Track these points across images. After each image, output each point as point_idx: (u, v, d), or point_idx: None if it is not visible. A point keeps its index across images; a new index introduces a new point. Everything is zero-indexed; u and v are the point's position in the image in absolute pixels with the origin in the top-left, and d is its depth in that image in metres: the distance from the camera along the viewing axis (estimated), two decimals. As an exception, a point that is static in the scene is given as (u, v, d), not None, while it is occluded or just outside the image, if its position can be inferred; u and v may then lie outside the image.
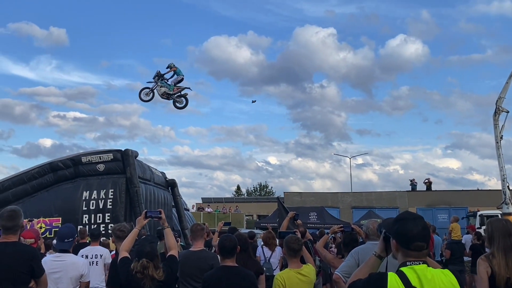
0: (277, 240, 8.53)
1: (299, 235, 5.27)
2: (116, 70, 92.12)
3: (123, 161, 13.92)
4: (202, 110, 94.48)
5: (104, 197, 13.50)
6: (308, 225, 21.10)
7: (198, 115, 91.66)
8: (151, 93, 16.78)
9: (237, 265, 4.32)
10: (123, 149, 14.22)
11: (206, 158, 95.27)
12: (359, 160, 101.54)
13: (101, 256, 6.86)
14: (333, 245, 11.27)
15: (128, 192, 13.59)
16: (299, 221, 7.62)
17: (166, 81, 16.67)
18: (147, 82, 17.09)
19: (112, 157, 14.04)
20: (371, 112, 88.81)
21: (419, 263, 2.30)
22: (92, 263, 6.67)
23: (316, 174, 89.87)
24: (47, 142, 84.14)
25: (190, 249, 5.59)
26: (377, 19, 79.14)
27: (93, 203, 13.44)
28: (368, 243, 4.72)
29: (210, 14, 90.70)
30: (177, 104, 17.08)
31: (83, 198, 13.51)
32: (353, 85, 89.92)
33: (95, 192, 13.57)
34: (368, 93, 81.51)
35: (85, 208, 13.40)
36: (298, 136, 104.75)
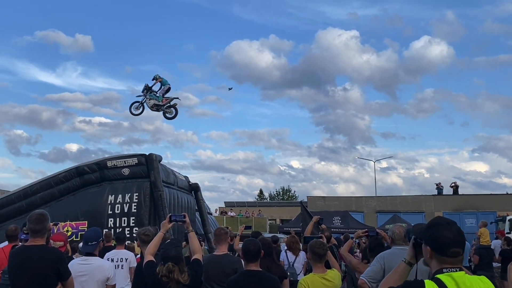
0: (301, 245, 8.46)
1: (324, 240, 5.21)
2: (139, 76, 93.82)
3: (147, 165, 14.08)
4: (224, 114, 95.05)
5: (129, 201, 13.66)
6: (332, 229, 20.84)
7: (220, 119, 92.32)
8: (141, 107, 17.09)
9: (261, 269, 4.29)
10: (147, 154, 14.39)
11: (228, 162, 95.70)
12: (384, 164, 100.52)
13: (126, 259, 6.92)
14: (358, 250, 11.13)
15: (152, 196, 13.72)
16: (323, 226, 7.54)
17: (154, 93, 16.90)
18: (137, 96, 17.40)
19: (136, 162, 14.20)
20: (395, 115, 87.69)
21: (456, 270, 2.22)
22: (118, 267, 6.73)
23: (340, 178, 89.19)
24: (73, 147, 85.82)
25: (213, 253, 5.59)
26: (400, 21, 78.31)
27: (118, 206, 13.61)
28: (394, 248, 4.64)
29: (232, 18, 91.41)
30: (167, 115, 17.32)
31: (109, 201, 13.70)
32: (376, 88, 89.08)
33: (120, 196, 13.74)
34: (392, 96, 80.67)
35: (110, 212, 13.58)
36: (321, 139, 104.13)
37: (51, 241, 5.53)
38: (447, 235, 2.25)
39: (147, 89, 16.78)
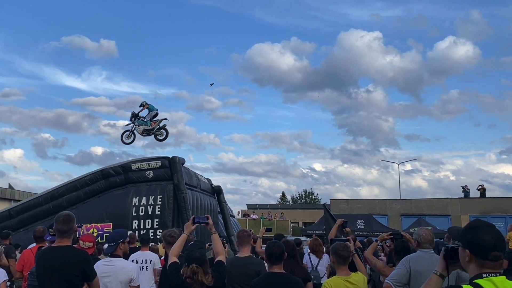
0: (324, 248, 8.40)
1: (352, 243, 5.17)
2: (162, 80, 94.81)
3: (171, 168, 14.18)
4: (246, 117, 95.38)
5: (152, 203, 13.79)
6: (356, 232, 20.65)
7: (242, 122, 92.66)
8: (132, 135, 17.36)
9: (284, 271, 4.27)
10: (170, 156, 14.51)
11: (250, 165, 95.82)
12: (408, 166, 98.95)
13: (150, 261, 6.98)
14: (382, 254, 10.95)
15: (176, 198, 13.80)
16: (347, 229, 7.47)
17: (142, 119, 17.11)
18: (125, 125, 17.80)
19: (160, 164, 14.33)
20: (419, 117, 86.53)
21: (497, 275, 2.14)
22: (142, 268, 6.79)
23: (363, 181, 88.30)
24: (98, 150, 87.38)
25: (236, 255, 5.58)
26: (424, 21, 77.20)
27: (142, 209, 13.75)
28: (420, 251, 4.56)
29: (254, 22, 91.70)
30: (158, 137, 17.56)
31: (133, 204, 13.85)
32: (400, 90, 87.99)
33: (144, 198, 13.88)
34: (416, 97, 79.49)
35: (135, 214, 13.72)
36: (344, 142, 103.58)
37: (80, 241, 5.64)
38: (488, 238, 2.17)
39: (135, 116, 17.11)
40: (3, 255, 7.07)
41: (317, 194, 68.72)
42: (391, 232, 6.29)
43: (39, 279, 4.18)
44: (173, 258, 4.23)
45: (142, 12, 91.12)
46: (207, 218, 4.43)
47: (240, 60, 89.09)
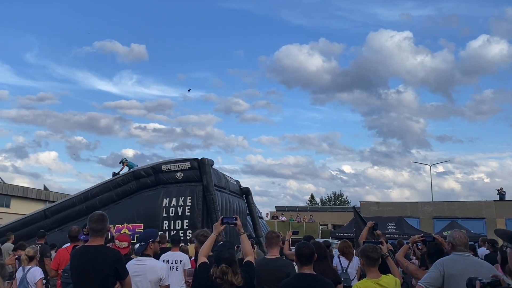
0: (355, 250, 8.29)
1: (385, 245, 5.09)
2: (191, 82, 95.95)
3: (200, 169, 14.30)
4: (274, 119, 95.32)
5: (182, 204, 13.93)
6: (386, 235, 20.31)
7: (270, 124, 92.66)
8: None
9: (315, 273, 4.23)
10: (199, 158, 14.63)
11: (278, 167, 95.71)
12: (440, 168, 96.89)
13: (181, 261, 7.04)
14: (414, 257, 10.72)
15: (205, 199, 13.91)
16: (378, 232, 7.34)
17: None
18: None
19: (189, 166, 14.47)
20: (452, 118, 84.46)
21: None
22: (172, 268, 6.86)
23: (394, 183, 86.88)
24: (130, 152, 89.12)
25: (265, 256, 5.57)
26: (456, 20, 75.49)
27: (172, 209, 13.91)
28: (454, 254, 4.44)
29: (281, 23, 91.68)
30: None
31: (163, 205, 14.02)
32: (432, 90, 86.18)
33: (174, 199, 14.04)
34: (449, 98, 77.72)
35: (165, 215, 13.89)
36: (373, 143, 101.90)
37: (116, 241, 5.75)
38: None
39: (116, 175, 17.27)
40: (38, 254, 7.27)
41: (347, 197, 68.13)
42: (422, 234, 6.14)
43: (73, 278, 4.28)
44: (202, 258, 4.25)
45: (171, 16, 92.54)
46: (236, 219, 4.44)
47: (268, 62, 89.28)
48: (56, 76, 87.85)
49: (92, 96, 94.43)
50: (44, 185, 53.12)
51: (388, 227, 24.41)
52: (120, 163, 17.76)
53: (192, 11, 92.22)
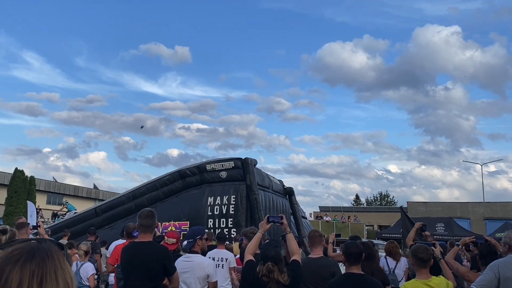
0: (402, 251, 8.09)
1: (438, 247, 4.96)
2: (233, 83, 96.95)
3: (243, 168, 14.39)
4: (317, 118, 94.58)
5: (226, 203, 14.07)
6: (435, 236, 19.73)
7: (313, 123, 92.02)
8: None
9: (363, 273, 4.15)
10: (243, 158, 14.73)
11: (322, 166, 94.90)
12: (492, 168, 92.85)
13: (226, 259, 7.10)
14: (465, 259, 10.32)
15: (249, 199, 13.99)
16: (427, 232, 7.13)
17: (62, 216, 17.24)
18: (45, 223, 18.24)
19: (233, 165, 14.59)
20: (504, 115, 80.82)
21: None
22: (218, 266, 6.92)
23: (442, 183, 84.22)
24: (174, 152, 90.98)
25: (309, 256, 5.53)
26: (508, 13, 72.02)
27: (217, 208, 14.08)
28: (510, 256, 4.24)
29: (324, 21, 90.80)
30: None
31: (208, 203, 14.21)
32: (482, 86, 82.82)
33: (218, 198, 14.20)
34: (501, 94, 74.51)
35: (210, 213, 14.08)
36: (421, 142, 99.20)
37: (165, 237, 5.91)
38: None
39: (55, 215, 17.42)
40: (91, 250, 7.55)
41: (393, 197, 66.69)
42: (474, 236, 5.92)
43: (124, 273, 4.42)
44: (248, 256, 4.27)
45: (213, 18, 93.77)
46: (282, 218, 4.42)
47: (310, 61, 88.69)
48: (104, 79, 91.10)
49: (138, 97, 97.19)
50: (94, 184, 55.21)
51: (436, 228, 23.69)
52: (61, 204, 18.34)
53: (234, 12, 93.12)
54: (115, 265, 6.86)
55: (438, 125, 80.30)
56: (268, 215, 4.66)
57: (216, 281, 4.97)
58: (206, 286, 4.81)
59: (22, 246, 1.11)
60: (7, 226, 6.32)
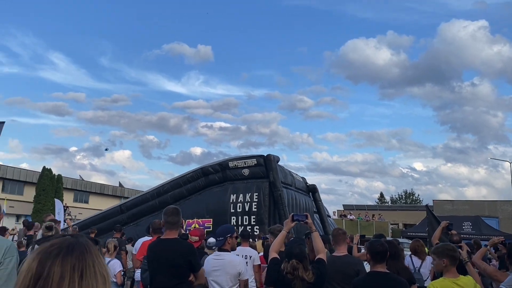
0: (428, 250, 7.96)
1: (464, 250, 4.87)
2: (255, 81, 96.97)
3: (266, 166, 14.38)
4: (340, 116, 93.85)
5: (249, 200, 14.10)
6: (462, 235, 19.34)
7: (336, 120, 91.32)
8: None
9: (388, 271, 4.10)
10: (265, 155, 14.72)
11: (345, 164, 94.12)
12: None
13: (250, 257, 7.11)
14: (494, 260, 10.07)
15: (272, 196, 13.98)
16: (453, 231, 6.99)
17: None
18: None
19: (255, 162, 14.60)
20: (535, 111, 78.43)
21: None
22: (242, 263, 6.95)
23: (469, 181, 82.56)
24: (197, 150, 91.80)
25: (333, 254, 5.50)
26: (540, 5, 69.90)
27: (239, 205, 14.13)
28: (541, 255, 4.13)
29: (347, 18, 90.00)
30: None
31: (231, 200, 14.27)
32: (511, 81, 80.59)
33: (241, 195, 14.24)
34: (531, 89, 72.19)
35: (233, 210, 14.14)
36: (447, 139, 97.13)
37: (189, 235, 5.97)
38: None
39: None
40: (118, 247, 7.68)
41: (418, 195, 65.70)
42: (503, 236, 5.78)
43: (150, 269, 4.49)
44: (273, 254, 4.26)
45: (235, 16, 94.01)
46: (306, 217, 4.38)
47: (333, 58, 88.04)
48: (128, 79, 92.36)
49: (162, 97, 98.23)
50: (119, 182, 56.18)
51: (463, 227, 23.24)
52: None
53: (255, 10, 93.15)
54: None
55: (465, 122, 78.81)
56: (293, 213, 4.64)
57: (247, 279, 4.95)
58: (237, 284, 4.80)
59: (60, 241, 1.13)
60: (52, 223, 6.50)
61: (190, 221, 13.89)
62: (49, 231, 6.06)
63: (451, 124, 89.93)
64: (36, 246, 1.19)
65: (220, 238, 4.98)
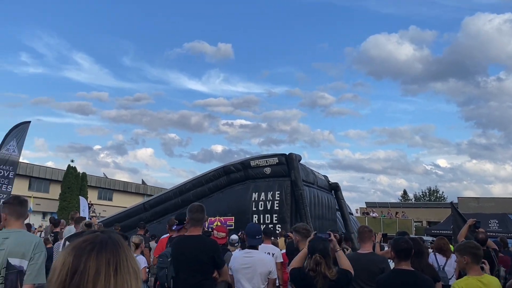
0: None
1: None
2: (276, 78, 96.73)
3: (288, 164, 14.38)
4: (362, 112, 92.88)
5: (271, 198, 14.12)
6: (488, 233, 18.98)
7: (358, 117, 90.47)
8: None
9: (413, 269, 4.06)
10: (287, 153, 14.71)
11: (367, 161, 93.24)
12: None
13: (273, 254, 7.14)
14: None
15: (293, 194, 13.97)
16: (481, 229, 6.86)
17: None
18: None
19: (277, 161, 14.61)
20: None
21: None
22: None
23: (495, 178, 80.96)
24: (218, 148, 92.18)
25: (358, 251, 5.48)
26: None
27: (261, 204, 14.16)
28: None
29: (368, 13, 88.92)
30: None
31: (253, 199, 14.32)
32: (539, 76, 78.47)
33: (263, 193, 14.27)
34: (560, 84, 70.16)
35: (255, 209, 14.18)
36: (472, 135, 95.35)
37: (214, 231, 6.02)
38: None
39: None
40: (143, 244, 7.81)
41: (443, 192, 64.63)
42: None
43: (174, 266, 4.54)
44: (293, 265, 4.22)
45: (254, 13, 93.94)
46: (330, 235, 4.29)
47: (354, 54, 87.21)
48: (150, 78, 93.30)
49: (183, 95, 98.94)
50: (142, 179, 56.88)
51: (490, 225, 22.76)
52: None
53: (275, 7, 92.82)
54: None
55: (490, 118, 77.15)
56: (315, 231, 4.59)
57: (276, 278, 4.95)
58: (267, 283, 4.78)
59: (93, 237, 1.17)
60: (91, 220, 6.69)
61: (212, 219, 13.98)
62: (89, 228, 6.21)
63: (476, 120, 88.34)
64: (67, 242, 1.23)
65: (259, 236, 5.02)
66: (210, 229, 8.38)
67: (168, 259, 4.66)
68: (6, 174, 14.03)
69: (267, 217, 13.97)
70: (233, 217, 14.15)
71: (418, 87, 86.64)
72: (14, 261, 3.40)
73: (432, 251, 8.15)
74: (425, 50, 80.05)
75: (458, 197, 37.44)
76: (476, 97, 78.27)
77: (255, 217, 14.04)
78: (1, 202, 9.50)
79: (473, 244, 4.25)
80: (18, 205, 3.62)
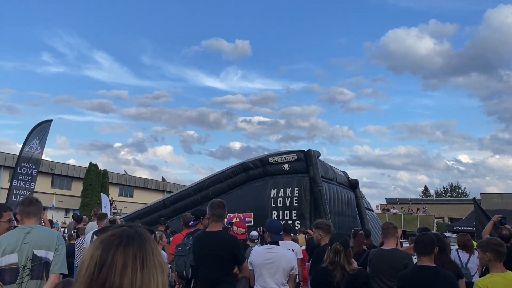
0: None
1: None
2: (294, 74, 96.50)
3: (306, 161, 14.34)
4: (382, 108, 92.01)
5: (290, 195, 14.11)
6: (512, 230, 18.57)
7: (378, 112, 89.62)
8: None
9: (435, 265, 4.01)
10: (305, 150, 14.67)
11: (388, 157, 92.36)
12: None
13: (293, 250, 7.14)
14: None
15: (312, 191, 13.93)
16: (507, 226, 6.73)
17: None
18: None
19: (296, 157, 14.59)
20: None
21: None
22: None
23: (519, 173, 78.88)
24: (237, 145, 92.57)
25: (381, 247, 5.44)
26: None
27: (280, 200, 14.17)
28: None
29: (387, 7, 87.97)
30: None
31: (271, 195, 14.34)
32: None
33: (281, 190, 14.28)
34: None
35: (274, 205, 14.20)
36: (495, 130, 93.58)
37: (234, 227, 6.06)
38: None
39: None
40: (164, 239, 7.89)
41: (465, 188, 63.67)
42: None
43: (195, 261, 4.58)
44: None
45: (272, 9, 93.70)
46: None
47: (373, 48, 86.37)
48: (168, 75, 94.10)
49: (201, 92, 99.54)
50: (162, 176, 57.43)
51: (514, 221, 22.28)
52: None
53: (292, 3, 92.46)
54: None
55: (514, 112, 75.25)
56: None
57: (297, 274, 4.96)
58: (288, 278, 4.78)
59: (120, 231, 1.19)
60: (116, 217, 6.81)
61: (231, 215, 14.04)
62: (113, 224, 6.31)
63: (499, 115, 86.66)
64: (95, 236, 1.26)
65: (281, 233, 5.03)
66: (229, 225, 8.41)
67: (186, 247, 4.70)
68: (29, 172, 14.34)
69: (286, 213, 13.97)
70: (252, 214, 14.19)
71: (439, 81, 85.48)
72: (40, 253, 3.56)
73: (457, 248, 8.04)
74: (445, 44, 78.91)
75: (481, 193, 36.83)
76: (499, 91, 76.86)
77: (274, 213, 14.05)
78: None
79: (496, 241, 4.18)
80: (27, 205, 3.79)
